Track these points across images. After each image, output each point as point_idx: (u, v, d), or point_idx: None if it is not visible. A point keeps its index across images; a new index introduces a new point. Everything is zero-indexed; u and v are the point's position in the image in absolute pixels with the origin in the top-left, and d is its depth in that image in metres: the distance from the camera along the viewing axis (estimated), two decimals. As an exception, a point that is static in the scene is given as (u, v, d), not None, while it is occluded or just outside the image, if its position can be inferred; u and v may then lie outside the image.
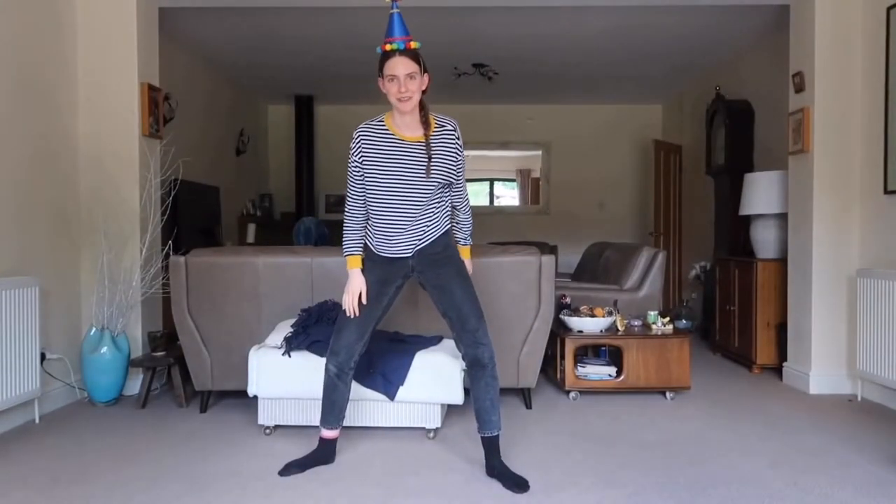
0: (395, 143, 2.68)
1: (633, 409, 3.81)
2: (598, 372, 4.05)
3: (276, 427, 3.38)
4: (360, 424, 3.29)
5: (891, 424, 3.51)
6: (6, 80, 3.46)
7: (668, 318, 4.22)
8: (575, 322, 4.07)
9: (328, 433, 2.91)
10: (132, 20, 4.12)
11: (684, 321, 5.21)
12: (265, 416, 3.33)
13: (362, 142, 2.70)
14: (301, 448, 3.03)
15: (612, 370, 4.04)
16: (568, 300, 4.42)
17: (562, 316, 4.15)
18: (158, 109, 4.37)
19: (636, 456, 3.01)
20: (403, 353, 3.28)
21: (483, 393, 2.75)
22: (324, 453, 2.90)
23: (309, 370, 3.21)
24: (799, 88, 4.34)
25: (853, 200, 4.17)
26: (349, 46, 6.00)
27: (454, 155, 2.72)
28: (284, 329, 3.40)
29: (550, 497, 2.56)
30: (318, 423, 2.95)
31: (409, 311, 3.63)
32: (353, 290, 2.77)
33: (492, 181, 10.19)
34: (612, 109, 8.72)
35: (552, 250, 6.87)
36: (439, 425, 3.29)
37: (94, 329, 3.89)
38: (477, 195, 9.79)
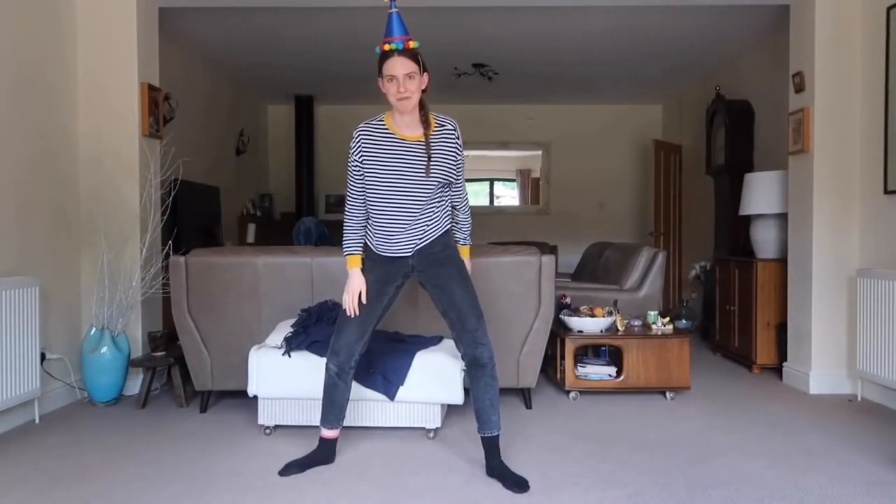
0: (395, 142, 2.68)
1: (633, 409, 3.81)
2: (598, 372, 4.05)
3: (276, 427, 3.38)
4: (360, 424, 3.29)
5: (891, 424, 3.51)
6: (6, 80, 3.46)
7: (668, 318, 4.22)
8: (575, 322, 4.07)
9: (328, 433, 2.91)
10: (132, 20, 4.12)
11: (684, 321, 5.20)
12: (265, 416, 3.33)
13: (362, 141, 2.70)
14: (301, 448, 3.03)
15: (612, 370, 4.04)
16: (568, 300, 4.42)
17: (562, 316, 4.15)
18: (158, 109, 4.37)
19: (636, 456, 3.01)
20: (403, 353, 3.28)
21: (483, 393, 2.75)
22: (324, 453, 2.90)
23: (309, 370, 3.21)
24: (799, 88, 4.34)
25: (853, 200, 4.17)
26: (349, 46, 6.00)
27: (454, 154, 2.73)
28: (284, 329, 3.40)
29: (550, 497, 2.56)
30: (318, 423, 2.95)
31: (409, 311, 3.63)
32: (353, 290, 2.77)
33: (492, 181, 10.17)
34: (612, 109, 8.72)
35: (552, 250, 6.87)
36: (439, 425, 3.29)
37: (94, 329, 3.89)
38: (477, 195, 9.78)
